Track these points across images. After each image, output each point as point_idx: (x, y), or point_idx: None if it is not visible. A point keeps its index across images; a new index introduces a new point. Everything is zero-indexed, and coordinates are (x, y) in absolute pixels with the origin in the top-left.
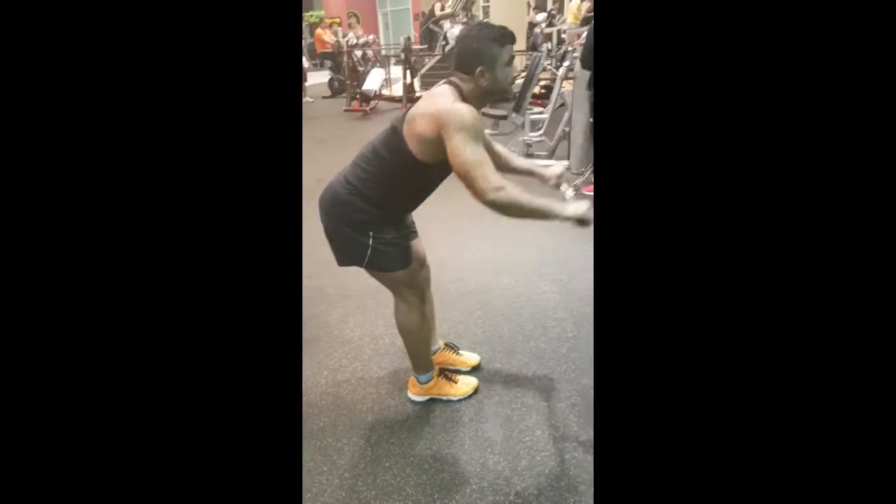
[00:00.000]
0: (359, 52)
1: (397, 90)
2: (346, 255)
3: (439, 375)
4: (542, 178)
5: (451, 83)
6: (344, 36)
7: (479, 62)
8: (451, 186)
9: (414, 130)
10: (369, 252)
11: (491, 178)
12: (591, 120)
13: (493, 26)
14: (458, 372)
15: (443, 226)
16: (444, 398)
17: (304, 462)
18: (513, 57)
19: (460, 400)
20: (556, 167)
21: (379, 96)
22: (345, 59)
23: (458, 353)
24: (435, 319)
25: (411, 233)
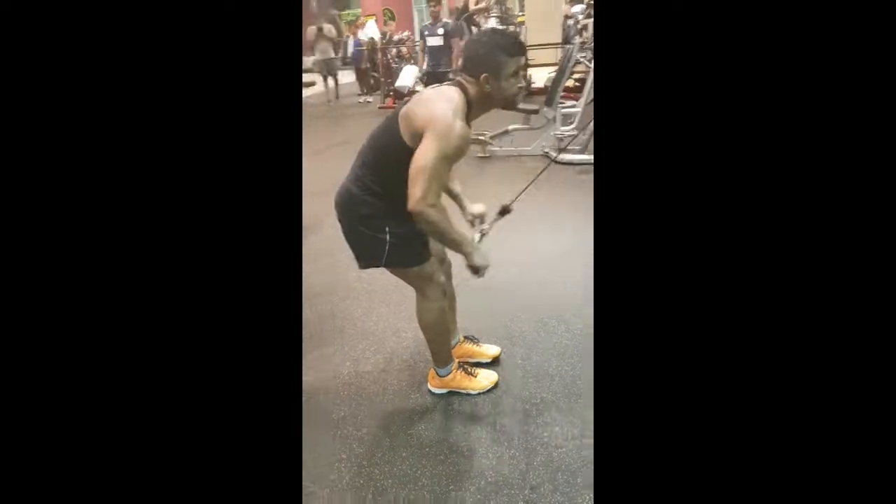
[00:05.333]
0: (393, 50)
1: None
2: (364, 255)
3: (458, 369)
4: (463, 210)
5: (459, 84)
6: (362, 34)
7: (484, 68)
8: (474, 181)
9: (411, 124)
10: (387, 248)
11: (432, 192)
12: None
13: (505, 34)
14: (479, 365)
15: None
16: (464, 391)
17: (324, 449)
18: (521, 68)
19: (479, 394)
20: (479, 206)
21: (412, 93)
22: (379, 56)
23: (478, 345)
24: (455, 313)
25: None
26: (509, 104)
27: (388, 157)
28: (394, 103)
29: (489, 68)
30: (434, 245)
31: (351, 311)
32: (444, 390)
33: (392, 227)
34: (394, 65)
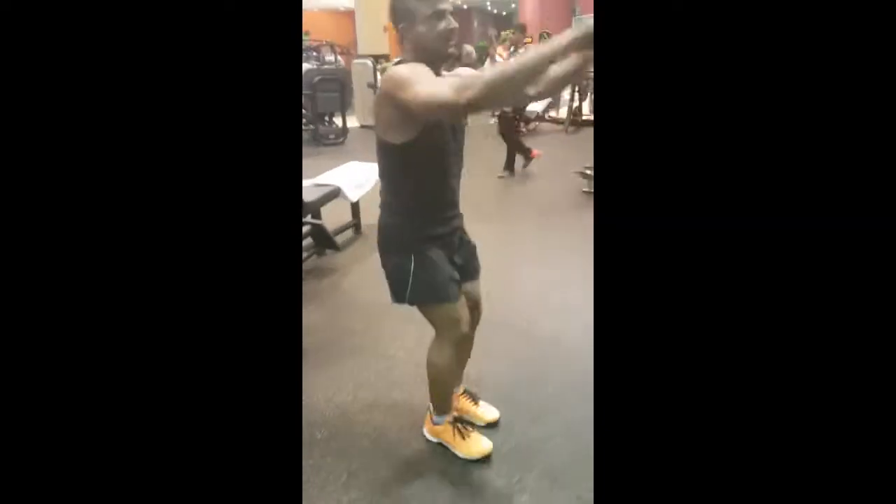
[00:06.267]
0: None
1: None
2: (393, 286)
3: (453, 422)
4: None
5: (401, 60)
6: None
7: (399, 18)
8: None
9: (379, 118)
10: (411, 280)
11: (449, 87)
12: None
13: None
14: (474, 425)
15: (493, 256)
16: (451, 449)
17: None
18: (443, 11)
19: (466, 460)
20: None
21: (540, 118)
22: None
23: (475, 403)
24: (466, 363)
25: (464, 269)
26: (439, 54)
27: (387, 168)
28: (518, 127)
29: (403, 16)
30: (468, 289)
31: (377, 332)
32: (435, 439)
33: (419, 254)
34: None
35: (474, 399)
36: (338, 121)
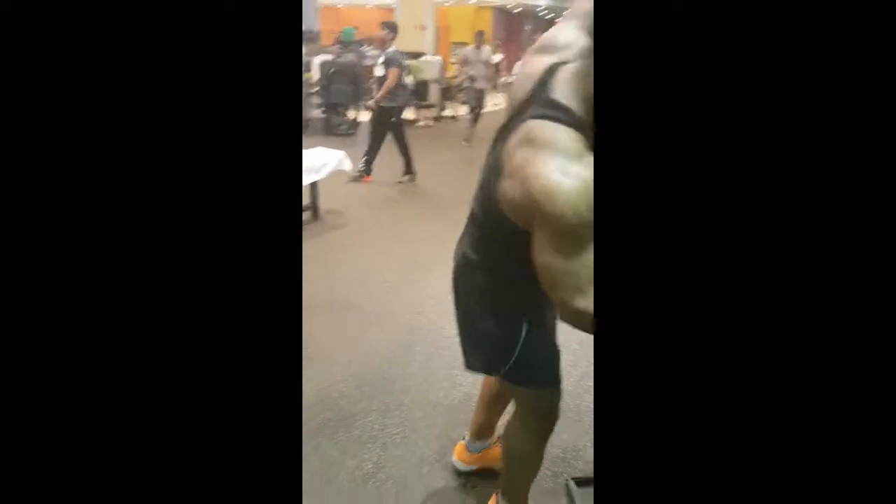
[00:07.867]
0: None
1: None
2: (480, 353)
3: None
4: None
5: (545, 111)
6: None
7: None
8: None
9: (508, 195)
10: (518, 351)
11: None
12: None
13: None
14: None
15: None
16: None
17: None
18: None
19: None
20: None
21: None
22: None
23: None
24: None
25: None
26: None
27: (493, 238)
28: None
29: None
30: None
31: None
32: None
33: (535, 320)
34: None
35: None
36: (350, 113)
